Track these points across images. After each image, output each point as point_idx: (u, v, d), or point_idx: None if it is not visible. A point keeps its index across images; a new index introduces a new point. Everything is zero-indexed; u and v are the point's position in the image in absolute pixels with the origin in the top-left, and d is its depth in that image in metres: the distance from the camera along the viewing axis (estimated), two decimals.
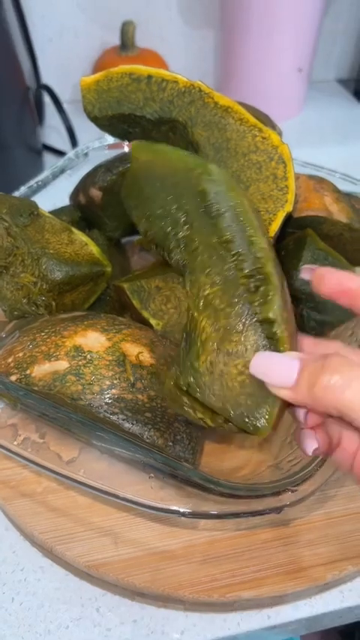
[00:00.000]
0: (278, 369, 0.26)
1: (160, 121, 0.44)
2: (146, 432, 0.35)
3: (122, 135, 0.48)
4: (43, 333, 0.39)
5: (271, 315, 0.28)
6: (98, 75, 0.45)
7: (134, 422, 0.35)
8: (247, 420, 0.28)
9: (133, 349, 0.38)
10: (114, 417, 0.35)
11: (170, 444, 0.36)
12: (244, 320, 0.29)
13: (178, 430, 0.37)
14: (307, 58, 0.90)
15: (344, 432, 0.27)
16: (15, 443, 0.34)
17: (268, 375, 0.26)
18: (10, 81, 0.74)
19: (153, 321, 0.42)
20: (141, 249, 0.56)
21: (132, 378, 0.36)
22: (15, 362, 0.38)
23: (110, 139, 0.64)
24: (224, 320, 0.30)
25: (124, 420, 0.35)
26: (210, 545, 0.38)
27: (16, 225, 0.42)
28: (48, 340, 0.38)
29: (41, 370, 0.37)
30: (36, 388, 0.36)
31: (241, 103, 0.45)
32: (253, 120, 0.42)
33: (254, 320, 0.29)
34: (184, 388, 0.30)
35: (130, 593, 0.38)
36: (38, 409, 0.35)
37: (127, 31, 0.86)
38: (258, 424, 0.28)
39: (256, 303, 0.29)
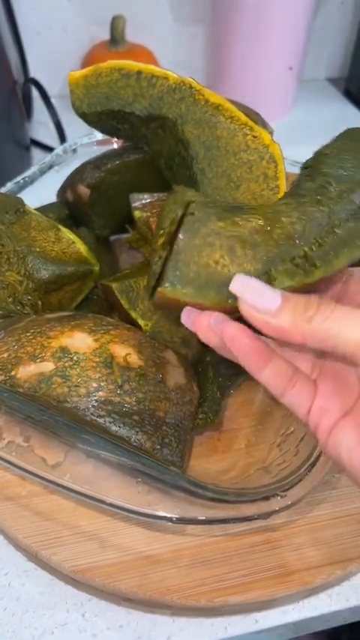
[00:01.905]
0: (261, 291, 0.25)
1: (150, 117, 0.43)
2: (133, 436, 0.35)
3: (111, 131, 0.47)
4: (28, 334, 0.38)
5: None
6: (87, 70, 0.44)
7: (121, 425, 0.35)
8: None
9: (121, 350, 0.37)
10: (101, 420, 0.34)
11: (158, 447, 0.35)
12: None
13: (166, 433, 0.36)
14: (297, 56, 0.89)
15: (300, 376, 0.26)
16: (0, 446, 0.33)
17: (253, 299, 0.25)
18: None
19: (141, 322, 0.41)
20: (130, 248, 0.55)
21: (119, 380, 0.36)
22: (0, 363, 0.37)
23: (99, 135, 0.63)
24: None
25: (110, 423, 0.35)
26: (197, 549, 0.38)
27: (2, 222, 0.41)
28: (33, 341, 0.37)
29: (26, 371, 0.36)
30: (21, 390, 0.36)
31: (231, 101, 0.44)
32: (244, 118, 0.42)
33: None
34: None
35: (116, 598, 0.38)
36: (23, 412, 0.35)
37: (117, 26, 0.85)
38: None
39: None
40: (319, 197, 0.29)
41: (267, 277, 0.27)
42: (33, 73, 0.90)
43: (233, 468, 0.41)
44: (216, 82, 0.96)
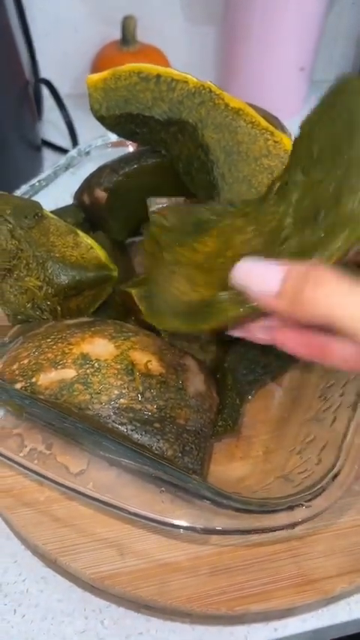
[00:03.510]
0: (261, 275, 0.25)
1: (169, 121, 0.43)
2: (155, 443, 0.35)
3: (129, 135, 0.47)
4: (49, 340, 0.38)
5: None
6: (105, 73, 0.44)
7: (143, 433, 0.35)
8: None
9: (141, 357, 0.37)
10: (122, 428, 0.34)
11: (179, 455, 0.35)
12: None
13: (187, 441, 0.36)
14: (309, 57, 0.89)
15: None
16: (21, 454, 0.33)
17: (250, 281, 0.25)
18: (9, 75, 0.72)
19: (161, 330, 0.41)
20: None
21: (141, 388, 0.35)
22: (20, 369, 0.37)
23: (113, 137, 0.63)
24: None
25: (132, 430, 0.34)
26: (217, 557, 0.37)
27: (21, 227, 0.41)
28: (54, 347, 0.37)
29: (47, 378, 0.36)
30: (42, 397, 0.35)
31: (250, 105, 0.44)
32: (264, 123, 0.42)
33: None
34: None
35: (135, 605, 0.38)
36: (44, 419, 0.34)
37: (128, 26, 0.84)
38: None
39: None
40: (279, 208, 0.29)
41: (218, 306, 0.27)
42: (43, 72, 0.90)
43: (252, 475, 0.41)
44: (227, 82, 0.96)
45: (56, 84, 0.85)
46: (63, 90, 0.91)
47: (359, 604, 0.39)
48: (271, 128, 0.41)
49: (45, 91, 0.87)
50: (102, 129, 0.93)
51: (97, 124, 0.95)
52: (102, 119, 0.45)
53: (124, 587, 0.36)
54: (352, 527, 0.39)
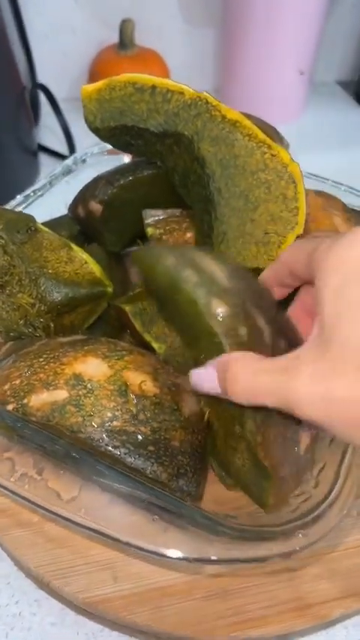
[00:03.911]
0: (206, 381, 0.30)
1: (165, 134, 0.42)
2: (149, 467, 0.34)
3: (124, 147, 0.46)
4: (41, 359, 0.37)
5: (246, 437, 0.31)
6: (100, 83, 0.43)
7: (137, 456, 0.34)
8: (257, 500, 0.33)
9: (135, 378, 0.36)
10: (115, 451, 0.34)
11: (174, 478, 0.34)
12: (235, 429, 0.32)
13: (181, 463, 0.35)
14: (308, 61, 0.88)
15: None
16: (12, 479, 0.32)
17: (202, 389, 0.31)
18: (5, 80, 0.72)
19: (155, 345, 0.40)
20: None
21: (134, 410, 0.35)
22: (11, 390, 0.36)
23: (109, 145, 0.62)
24: (223, 422, 0.34)
25: (126, 454, 0.34)
26: (213, 580, 0.37)
27: (13, 242, 0.40)
28: (46, 367, 0.36)
29: (39, 400, 0.35)
30: (34, 419, 0.35)
31: (247, 115, 0.43)
32: (261, 135, 0.41)
33: (239, 434, 0.32)
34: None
35: (129, 630, 0.37)
36: (36, 441, 0.34)
37: (126, 30, 0.83)
38: (263, 504, 0.33)
39: (237, 422, 0.32)
40: None
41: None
42: (40, 75, 0.89)
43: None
44: (225, 86, 0.95)
45: (53, 87, 0.85)
46: (60, 93, 0.90)
47: (357, 627, 0.38)
48: (269, 141, 0.40)
49: (42, 96, 0.86)
50: None
51: None
52: (96, 131, 0.44)
53: (117, 612, 0.35)
54: (350, 549, 0.38)
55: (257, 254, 0.39)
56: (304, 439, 0.35)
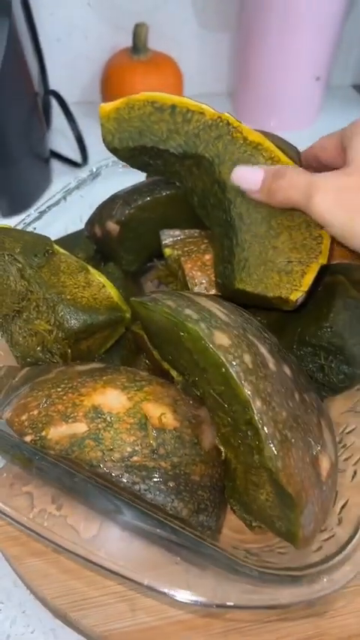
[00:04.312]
0: (250, 178, 0.38)
1: (185, 155, 0.41)
2: (169, 503, 0.33)
3: (143, 166, 0.45)
4: (59, 389, 0.36)
5: (266, 464, 0.31)
6: (118, 102, 0.42)
7: (157, 492, 0.33)
8: (286, 536, 0.33)
9: (155, 410, 0.35)
10: (135, 487, 0.33)
11: (194, 514, 0.34)
12: (254, 460, 0.32)
13: (202, 498, 0.35)
14: (325, 66, 0.86)
15: None
16: (31, 515, 0.32)
17: (243, 183, 0.39)
18: (19, 86, 0.71)
19: (174, 373, 0.40)
20: (159, 284, 0.53)
21: (154, 444, 0.34)
22: (29, 421, 0.36)
23: None
24: (242, 457, 0.34)
25: (146, 490, 0.33)
26: (231, 615, 0.36)
27: (30, 266, 0.40)
28: (64, 397, 0.36)
29: (58, 432, 0.35)
30: (52, 452, 0.34)
31: (266, 134, 0.42)
32: (284, 158, 0.40)
33: (259, 464, 0.32)
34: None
35: None
36: (54, 475, 0.33)
37: (139, 34, 0.82)
38: (293, 539, 0.32)
39: (255, 451, 0.32)
40: None
41: None
42: (52, 79, 0.88)
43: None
44: (239, 91, 0.93)
45: (65, 91, 0.84)
46: (72, 98, 0.89)
47: None
48: (291, 163, 0.40)
49: (53, 100, 0.85)
50: None
51: None
52: (114, 151, 0.43)
53: None
54: None
55: (280, 282, 0.38)
56: (324, 463, 0.35)
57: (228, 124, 0.40)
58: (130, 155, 0.43)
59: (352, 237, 0.34)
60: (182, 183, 0.45)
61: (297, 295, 0.38)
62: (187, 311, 0.34)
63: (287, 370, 0.35)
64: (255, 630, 0.36)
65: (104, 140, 0.43)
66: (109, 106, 0.42)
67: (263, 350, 0.34)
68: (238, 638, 0.36)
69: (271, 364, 0.34)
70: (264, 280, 0.38)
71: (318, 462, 0.34)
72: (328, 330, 0.40)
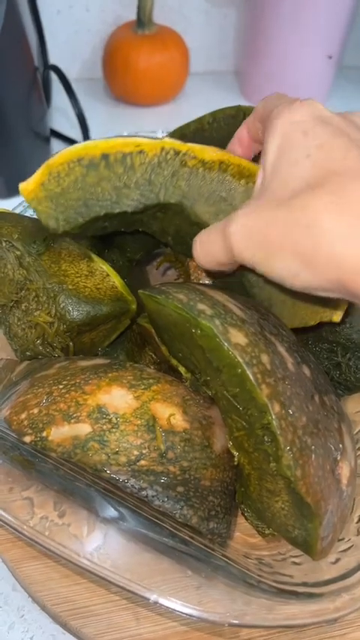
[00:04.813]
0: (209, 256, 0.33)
1: (146, 208, 0.36)
2: (178, 510, 0.31)
3: (99, 231, 0.39)
4: (61, 386, 0.34)
5: (284, 473, 0.29)
6: (38, 175, 0.35)
7: (165, 499, 0.31)
8: (303, 547, 0.32)
9: (163, 411, 0.33)
10: (142, 493, 0.31)
11: (204, 521, 0.32)
12: (270, 467, 0.30)
13: (212, 504, 0.33)
14: (337, 44, 0.82)
15: None
16: (31, 523, 0.30)
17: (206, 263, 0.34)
18: (18, 60, 0.67)
19: (182, 369, 0.37)
20: (166, 271, 0.51)
21: (163, 447, 0.32)
22: (29, 420, 0.33)
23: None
24: (256, 463, 0.32)
25: (153, 496, 0.31)
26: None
27: (29, 253, 0.37)
28: (67, 396, 0.33)
29: (59, 433, 0.32)
30: (53, 454, 0.32)
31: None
32: (251, 166, 0.35)
33: (275, 471, 0.30)
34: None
35: None
36: (55, 478, 0.31)
37: (144, 7, 0.78)
38: (311, 551, 0.31)
39: (271, 458, 0.30)
40: None
41: None
42: (52, 53, 0.84)
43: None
44: (246, 68, 0.90)
45: (65, 67, 0.79)
46: (72, 74, 0.85)
47: None
48: (256, 168, 0.35)
49: (53, 76, 0.81)
50: (113, 118, 0.88)
51: (109, 111, 0.89)
52: (66, 233, 0.36)
53: None
54: None
55: (310, 313, 0.35)
56: (344, 470, 0.33)
57: (176, 152, 0.34)
58: (84, 229, 0.37)
59: (272, 275, 0.28)
60: (149, 229, 0.40)
61: (339, 315, 0.34)
62: (201, 306, 0.31)
63: (306, 370, 0.33)
64: None
65: (48, 227, 0.36)
66: (30, 185, 0.35)
67: (281, 349, 0.32)
68: None
69: (290, 364, 0.32)
70: (296, 313, 0.36)
71: (338, 469, 0.32)
72: (347, 325, 0.38)
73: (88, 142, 0.34)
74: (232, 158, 0.35)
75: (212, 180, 0.35)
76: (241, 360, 0.29)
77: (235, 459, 0.33)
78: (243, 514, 0.36)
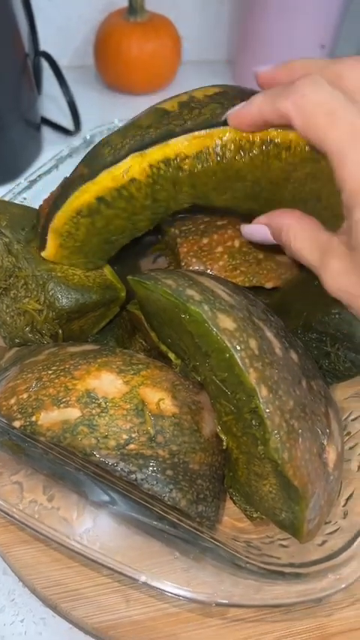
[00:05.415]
0: (259, 235, 0.34)
1: (162, 219, 0.37)
2: (167, 493, 0.31)
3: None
4: (50, 372, 0.34)
5: (271, 456, 0.30)
6: (50, 242, 0.36)
7: (154, 482, 0.31)
8: (290, 530, 0.32)
9: (153, 395, 0.33)
10: (132, 477, 0.31)
11: (193, 504, 0.32)
12: (258, 450, 0.31)
13: (201, 488, 0.33)
14: (330, 34, 0.82)
15: None
16: (20, 506, 0.30)
17: (253, 239, 0.35)
18: (7, 47, 0.66)
19: (172, 355, 0.37)
20: (156, 258, 0.51)
21: (152, 431, 0.32)
22: (18, 405, 0.33)
23: (120, 123, 0.58)
24: (244, 447, 0.32)
25: (142, 480, 0.31)
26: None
27: (18, 240, 0.37)
28: (56, 381, 0.33)
29: (49, 418, 0.32)
30: (43, 438, 0.32)
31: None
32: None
33: (263, 455, 0.30)
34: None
35: None
36: (45, 463, 0.31)
37: None
38: (297, 534, 0.31)
39: (259, 441, 0.30)
40: None
41: None
42: (42, 40, 0.83)
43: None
44: (240, 58, 0.89)
45: (56, 54, 0.79)
46: (63, 61, 0.84)
47: None
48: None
49: (44, 64, 0.81)
50: (104, 106, 0.87)
51: (100, 99, 0.89)
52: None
53: (129, 638, 0.34)
54: None
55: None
56: (331, 454, 0.33)
57: (166, 163, 0.32)
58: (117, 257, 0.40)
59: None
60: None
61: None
62: (189, 291, 0.32)
63: (294, 356, 0.33)
64: (254, 621, 0.35)
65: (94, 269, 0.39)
66: (50, 251, 0.37)
67: (269, 334, 0.32)
68: (237, 630, 0.34)
69: (278, 349, 0.32)
70: None
71: (325, 453, 0.32)
72: (336, 316, 0.38)
73: (76, 190, 0.33)
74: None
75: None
76: (229, 345, 0.30)
77: (224, 443, 0.34)
78: (231, 498, 0.36)
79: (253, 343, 0.30)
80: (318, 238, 0.30)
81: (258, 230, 0.34)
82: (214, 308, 0.31)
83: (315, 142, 0.28)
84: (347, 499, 0.33)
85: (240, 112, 0.30)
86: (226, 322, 0.30)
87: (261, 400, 0.29)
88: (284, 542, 0.33)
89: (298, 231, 0.31)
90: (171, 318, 0.33)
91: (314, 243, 0.30)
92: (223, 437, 0.34)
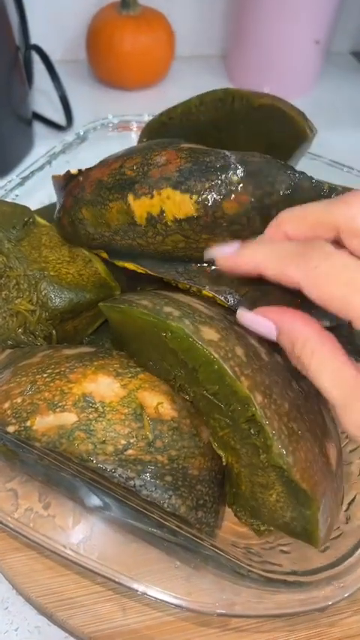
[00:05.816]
0: (261, 329, 0.28)
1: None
2: (167, 500, 0.31)
3: None
4: (45, 375, 0.33)
5: (276, 462, 0.29)
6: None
7: (153, 488, 0.31)
8: (303, 537, 0.31)
9: (151, 399, 0.32)
10: (130, 483, 0.30)
11: (193, 510, 0.31)
12: (260, 460, 0.30)
13: (201, 493, 0.32)
14: (325, 30, 0.81)
15: None
16: (15, 515, 0.29)
17: (253, 329, 0.29)
18: None
19: None
20: None
21: (151, 436, 0.31)
22: (13, 409, 0.32)
23: (115, 120, 0.57)
24: (245, 459, 0.31)
25: (141, 486, 0.30)
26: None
27: (9, 239, 0.36)
28: (52, 384, 0.32)
29: (44, 423, 0.31)
30: (38, 444, 0.31)
31: (274, 98, 0.39)
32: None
33: (266, 463, 0.29)
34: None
35: None
36: (41, 471, 0.30)
37: None
38: (312, 540, 0.30)
39: (260, 450, 0.29)
40: None
41: None
42: (33, 34, 0.81)
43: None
44: (234, 53, 0.88)
45: (47, 48, 0.77)
46: (55, 55, 0.82)
47: None
48: None
49: (35, 58, 0.79)
50: (97, 101, 0.86)
51: (93, 94, 0.87)
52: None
53: None
54: None
55: None
56: (331, 451, 0.32)
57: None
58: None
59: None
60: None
61: None
62: (167, 308, 0.31)
63: (279, 358, 0.32)
64: (253, 629, 0.34)
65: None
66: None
67: (252, 340, 0.31)
68: (234, 638, 0.34)
69: (263, 354, 0.31)
70: None
71: (326, 451, 0.31)
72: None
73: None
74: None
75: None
76: (216, 356, 0.29)
77: (223, 460, 0.33)
78: (236, 515, 0.35)
79: (239, 351, 0.30)
80: (342, 370, 0.25)
81: (261, 324, 0.28)
82: (195, 321, 0.30)
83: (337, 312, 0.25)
84: (349, 503, 0.33)
85: (235, 259, 0.29)
86: (210, 334, 0.30)
87: (257, 407, 0.28)
88: (285, 548, 0.33)
89: (317, 350, 0.26)
90: (150, 339, 0.32)
91: (337, 375, 0.26)
92: (222, 453, 0.33)
